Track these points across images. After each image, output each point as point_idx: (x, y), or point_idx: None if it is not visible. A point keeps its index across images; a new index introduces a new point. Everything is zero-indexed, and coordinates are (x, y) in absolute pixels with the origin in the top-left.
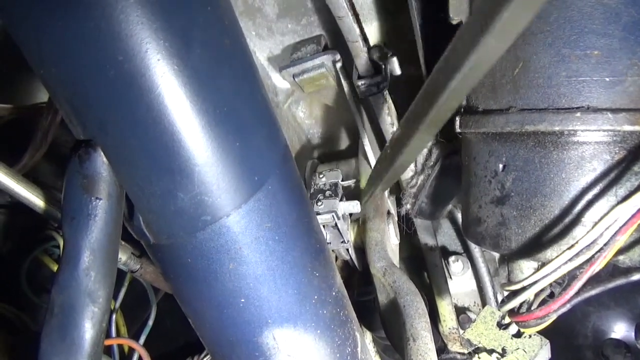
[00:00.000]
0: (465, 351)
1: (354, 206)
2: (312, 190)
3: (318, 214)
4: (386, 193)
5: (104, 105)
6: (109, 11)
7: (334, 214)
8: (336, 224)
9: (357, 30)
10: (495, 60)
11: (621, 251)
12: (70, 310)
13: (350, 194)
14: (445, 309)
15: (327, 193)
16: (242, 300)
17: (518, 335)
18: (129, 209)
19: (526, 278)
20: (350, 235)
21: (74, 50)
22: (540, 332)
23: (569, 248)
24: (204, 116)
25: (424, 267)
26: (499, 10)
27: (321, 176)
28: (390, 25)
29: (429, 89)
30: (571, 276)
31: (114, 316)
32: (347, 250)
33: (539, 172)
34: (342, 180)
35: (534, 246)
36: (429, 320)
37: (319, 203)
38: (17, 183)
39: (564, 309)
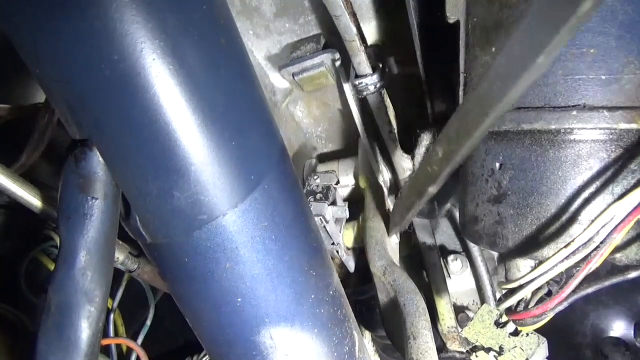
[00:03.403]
0: (464, 350)
1: (343, 211)
2: (304, 191)
3: None
4: (386, 192)
5: (100, 104)
6: (103, 11)
7: (321, 217)
8: (324, 227)
9: (354, 30)
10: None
11: (618, 249)
12: (66, 310)
13: (346, 195)
14: (444, 307)
15: (318, 196)
16: (239, 299)
17: (515, 333)
18: (126, 209)
19: (523, 276)
20: (344, 236)
21: (69, 49)
22: (538, 331)
23: (565, 246)
24: (199, 115)
25: (422, 266)
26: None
27: (316, 177)
28: (387, 24)
29: (481, 100)
30: (568, 274)
31: (111, 316)
32: (337, 252)
33: (535, 170)
34: (337, 184)
35: (531, 244)
36: (429, 318)
37: (309, 205)
38: (15, 183)
39: (561, 307)
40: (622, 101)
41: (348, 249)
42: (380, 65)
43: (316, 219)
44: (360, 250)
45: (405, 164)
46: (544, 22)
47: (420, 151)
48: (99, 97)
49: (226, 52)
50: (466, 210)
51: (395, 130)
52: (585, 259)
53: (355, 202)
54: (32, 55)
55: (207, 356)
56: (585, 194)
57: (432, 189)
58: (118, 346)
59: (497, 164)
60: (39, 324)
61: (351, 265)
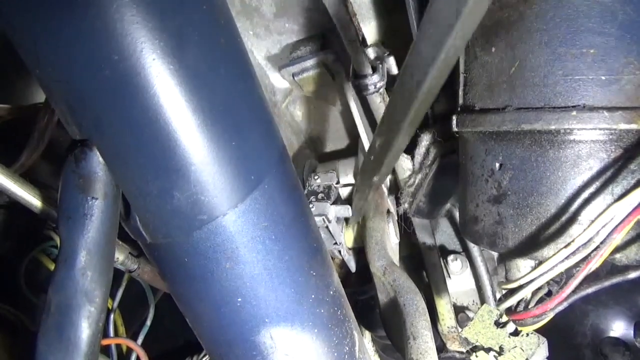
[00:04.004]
0: (464, 350)
1: (346, 210)
2: (305, 192)
3: None
4: (385, 192)
5: (100, 104)
6: (103, 10)
7: (324, 217)
8: (327, 227)
9: (354, 30)
10: (457, 57)
11: (618, 249)
12: (66, 310)
13: (346, 195)
14: (444, 307)
15: (320, 195)
16: (239, 299)
17: (516, 333)
18: (126, 209)
19: (523, 276)
20: (344, 236)
21: (69, 49)
22: (538, 331)
23: (565, 246)
24: (199, 115)
25: (423, 266)
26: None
27: (316, 178)
28: (387, 24)
29: (403, 94)
30: (568, 274)
31: (112, 316)
32: (340, 252)
33: (535, 170)
34: (338, 183)
35: (531, 244)
36: (429, 318)
37: (310, 205)
38: (15, 183)
39: (560, 307)
40: (622, 101)
41: (348, 249)
42: (380, 65)
43: (319, 218)
44: (360, 250)
45: (405, 164)
46: (440, 23)
47: (420, 151)
48: (99, 97)
49: (226, 52)
50: (466, 210)
51: None
52: (585, 259)
53: None
54: (32, 55)
55: (207, 356)
56: (585, 195)
57: (377, 179)
58: (118, 346)
59: (497, 164)
60: (39, 324)
61: (352, 265)
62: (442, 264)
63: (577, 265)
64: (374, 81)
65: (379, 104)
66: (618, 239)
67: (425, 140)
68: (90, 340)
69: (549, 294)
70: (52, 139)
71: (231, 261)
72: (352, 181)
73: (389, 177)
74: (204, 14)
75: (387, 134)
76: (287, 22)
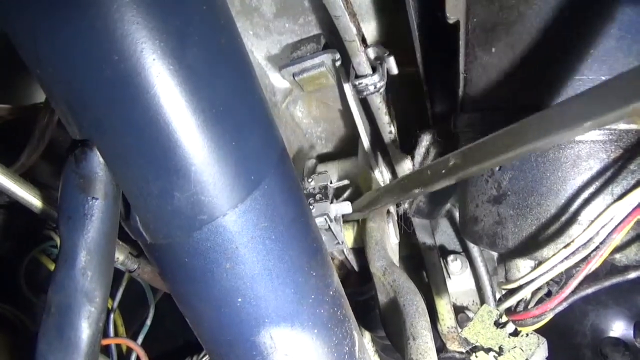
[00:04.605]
0: (464, 350)
1: (346, 207)
2: None
3: None
4: None
5: (100, 105)
6: (104, 10)
7: (326, 216)
8: (329, 227)
9: (354, 30)
10: None
11: (618, 249)
12: (67, 310)
13: (346, 195)
14: (443, 308)
15: (318, 196)
16: (239, 299)
17: (515, 333)
18: (126, 209)
19: (523, 277)
20: (345, 235)
21: (69, 49)
22: (538, 331)
23: (565, 246)
24: (200, 116)
25: (422, 267)
26: None
27: (310, 180)
28: (387, 24)
29: (512, 138)
30: (568, 275)
31: (112, 316)
32: (343, 251)
33: (535, 171)
34: (332, 183)
35: (531, 245)
36: (429, 319)
37: (311, 207)
38: (15, 183)
39: (560, 308)
40: None
41: (349, 249)
42: (380, 66)
43: (321, 218)
44: (359, 251)
45: (405, 164)
46: (603, 101)
47: (420, 151)
48: (100, 98)
49: (226, 52)
50: (466, 210)
51: (395, 131)
52: (585, 259)
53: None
54: (32, 55)
55: (207, 356)
56: (585, 195)
57: (418, 191)
58: (118, 346)
59: None
60: (39, 323)
61: (355, 265)
62: (442, 264)
63: (576, 265)
64: (374, 81)
65: (379, 104)
66: (618, 239)
67: (425, 140)
68: (91, 340)
69: (549, 294)
70: (53, 139)
71: (231, 261)
72: (345, 182)
73: (389, 177)
74: (204, 14)
75: (467, 161)
76: (287, 22)
